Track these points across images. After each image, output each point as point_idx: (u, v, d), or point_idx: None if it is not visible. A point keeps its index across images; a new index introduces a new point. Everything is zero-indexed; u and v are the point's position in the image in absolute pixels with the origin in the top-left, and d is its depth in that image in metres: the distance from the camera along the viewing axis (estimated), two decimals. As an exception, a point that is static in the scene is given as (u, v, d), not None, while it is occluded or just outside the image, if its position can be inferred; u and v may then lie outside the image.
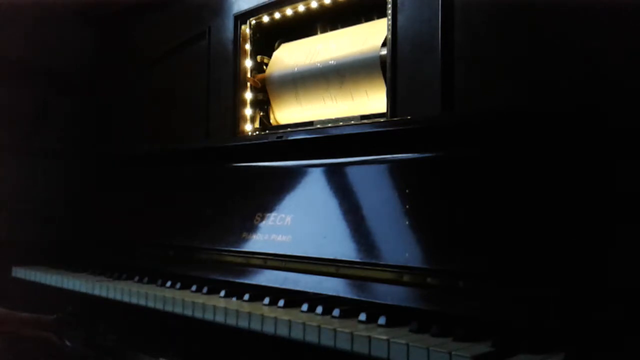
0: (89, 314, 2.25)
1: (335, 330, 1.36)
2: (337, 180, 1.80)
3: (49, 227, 2.81)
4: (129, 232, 2.49)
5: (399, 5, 1.82)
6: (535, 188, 1.37)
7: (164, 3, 2.78)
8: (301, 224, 1.81)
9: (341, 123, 2.05)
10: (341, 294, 1.61)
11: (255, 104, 2.39)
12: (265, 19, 2.36)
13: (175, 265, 2.16)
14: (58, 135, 3.08)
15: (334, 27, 2.27)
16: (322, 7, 2.21)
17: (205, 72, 2.51)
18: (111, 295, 2.05)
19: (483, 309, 1.32)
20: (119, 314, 2.15)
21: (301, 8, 2.24)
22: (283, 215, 1.87)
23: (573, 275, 1.23)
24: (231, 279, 1.91)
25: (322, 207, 1.77)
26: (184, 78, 2.65)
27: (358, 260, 1.60)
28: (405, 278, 1.50)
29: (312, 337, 1.41)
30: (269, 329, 1.52)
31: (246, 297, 1.74)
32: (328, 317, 1.50)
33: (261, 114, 2.41)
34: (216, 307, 1.67)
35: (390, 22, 1.83)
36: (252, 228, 1.94)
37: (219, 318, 1.66)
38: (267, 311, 1.57)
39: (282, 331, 1.48)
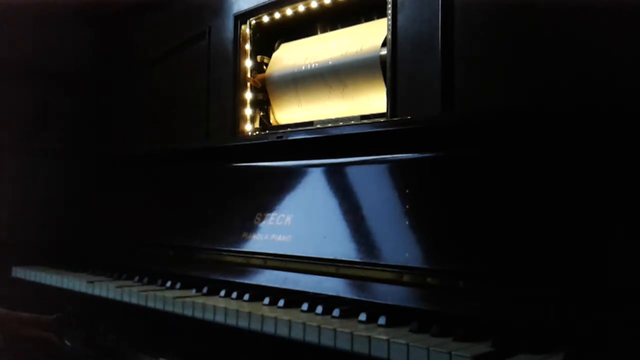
0: (89, 314, 2.25)
1: (335, 330, 1.36)
2: (337, 180, 1.80)
3: (49, 227, 2.81)
4: (129, 232, 2.49)
5: (399, 5, 1.82)
6: (535, 188, 1.37)
7: (164, 3, 2.78)
8: (301, 224, 1.81)
9: (341, 123, 2.05)
10: (341, 294, 1.61)
11: (255, 104, 2.39)
12: (265, 19, 2.36)
13: (175, 265, 2.16)
14: (58, 135, 3.08)
15: (334, 27, 2.27)
16: (322, 7, 2.21)
17: (205, 72, 2.51)
18: (111, 295, 2.05)
19: (483, 309, 1.32)
20: (119, 314, 2.15)
21: (301, 8, 2.24)
22: (283, 215, 1.87)
23: (573, 275, 1.23)
24: (231, 279, 1.91)
25: (322, 207, 1.77)
26: (184, 78, 2.65)
27: (358, 260, 1.60)
28: (405, 278, 1.50)
29: (312, 337, 1.41)
30: (269, 329, 1.52)
31: (246, 297, 1.74)
32: (328, 317, 1.50)
33: (261, 114, 2.41)
34: (216, 307, 1.67)
35: (390, 22, 1.83)
36: (252, 228, 1.94)
37: (219, 318, 1.66)
38: (267, 311, 1.57)
39: (282, 331, 1.48)
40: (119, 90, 3.05)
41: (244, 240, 1.94)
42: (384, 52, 1.89)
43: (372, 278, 1.57)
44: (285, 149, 2.00)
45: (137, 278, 2.16)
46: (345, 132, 1.86)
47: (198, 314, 1.72)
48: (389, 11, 1.83)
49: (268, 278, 1.83)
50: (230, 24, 2.41)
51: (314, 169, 1.88)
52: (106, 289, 2.08)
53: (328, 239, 1.70)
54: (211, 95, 2.48)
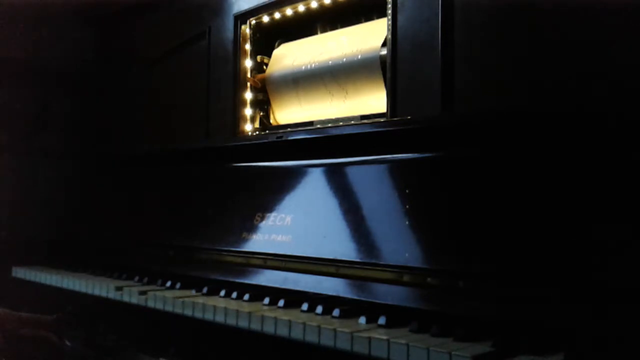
0: (89, 314, 2.25)
1: (335, 330, 1.36)
2: (337, 180, 1.80)
3: (49, 227, 2.81)
4: (129, 232, 2.49)
5: (399, 5, 1.82)
6: (535, 188, 1.37)
7: (164, 3, 2.78)
8: (301, 224, 1.81)
9: (341, 123, 2.05)
10: (341, 294, 1.61)
11: (255, 104, 2.39)
12: (265, 19, 2.36)
13: (175, 265, 2.15)
14: (58, 135, 3.08)
15: (334, 27, 2.27)
16: (322, 7, 2.21)
17: (205, 72, 2.51)
18: (111, 295, 2.05)
19: (483, 309, 1.32)
20: (119, 314, 2.15)
21: (301, 8, 2.24)
22: (283, 215, 1.87)
23: (573, 275, 1.23)
24: (231, 279, 1.91)
25: (322, 207, 1.77)
26: (184, 78, 2.65)
27: (358, 260, 1.60)
28: (405, 278, 1.50)
29: (312, 337, 1.41)
30: (269, 329, 1.52)
31: (246, 297, 1.74)
32: (328, 317, 1.50)
33: (261, 114, 2.41)
34: (216, 307, 1.67)
35: (390, 22, 1.83)
36: (252, 228, 1.94)
37: (219, 318, 1.66)
38: (267, 311, 1.57)
39: (282, 331, 1.48)
40: (119, 90, 3.05)
41: (244, 240, 1.94)
42: (384, 52, 1.89)
43: (372, 278, 1.57)
44: (285, 149, 2.00)
45: (137, 278, 2.16)
46: (345, 132, 1.86)
47: (198, 314, 1.72)
48: (389, 11, 1.83)
49: (268, 278, 1.83)
50: (230, 24, 2.41)
51: (314, 169, 1.88)
52: (106, 289, 2.08)
53: (328, 239, 1.70)
54: (211, 95, 2.48)
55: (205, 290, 1.88)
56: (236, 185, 2.15)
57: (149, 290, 1.94)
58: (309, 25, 2.32)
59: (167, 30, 2.77)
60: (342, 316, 1.48)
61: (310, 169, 1.89)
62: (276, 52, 2.40)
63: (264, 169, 2.07)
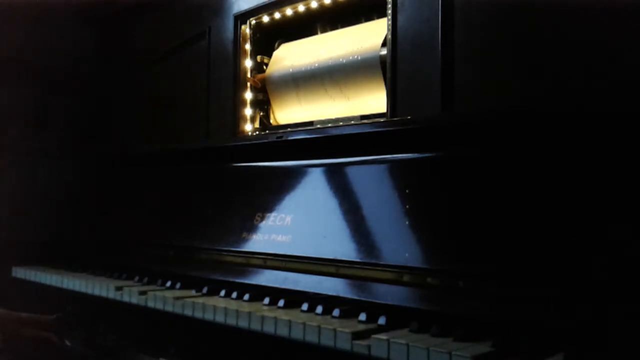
0: (89, 314, 2.25)
1: (335, 330, 1.36)
2: (337, 180, 1.80)
3: (49, 227, 2.81)
4: (129, 232, 2.49)
5: (399, 5, 1.82)
6: (535, 188, 1.37)
7: (164, 3, 2.78)
8: (301, 224, 1.81)
9: (341, 123, 2.05)
10: (341, 294, 1.61)
11: (255, 104, 2.39)
12: (265, 19, 2.36)
13: (175, 265, 2.15)
14: (58, 135, 3.08)
15: (334, 27, 2.27)
16: (322, 7, 2.21)
17: (205, 72, 2.51)
18: (111, 295, 2.05)
19: (483, 309, 1.32)
20: (119, 314, 2.15)
21: (301, 8, 2.24)
22: (283, 215, 1.87)
23: (573, 275, 1.23)
24: (231, 279, 1.91)
25: (322, 207, 1.77)
26: (184, 78, 2.65)
27: (358, 260, 1.60)
28: (405, 278, 1.50)
29: (312, 337, 1.41)
30: (269, 329, 1.52)
31: (246, 297, 1.74)
32: (328, 317, 1.50)
33: (261, 114, 2.41)
34: (216, 307, 1.67)
35: (390, 22, 1.83)
36: (252, 228, 1.94)
37: (219, 318, 1.66)
38: (267, 311, 1.57)
39: (282, 331, 1.48)
40: (119, 90, 3.05)
41: (244, 240, 1.94)
42: (384, 52, 1.89)
43: (372, 278, 1.57)
44: (285, 149, 2.00)
45: (137, 278, 2.16)
46: (345, 132, 1.86)
47: (198, 314, 1.72)
48: (389, 11, 1.83)
49: (268, 278, 1.83)
50: (230, 24, 2.41)
51: (314, 169, 1.88)
52: (106, 289, 2.08)
53: (328, 239, 1.70)
54: (211, 95, 2.48)
55: (205, 290, 1.88)
56: (236, 185, 2.15)
57: (149, 290, 1.94)
58: (309, 25, 2.32)
59: (167, 30, 2.77)
60: (342, 316, 1.48)
61: (310, 169, 1.89)
62: (276, 52, 2.40)
63: (264, 169, 2.07)
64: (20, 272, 2.62)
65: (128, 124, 2.97)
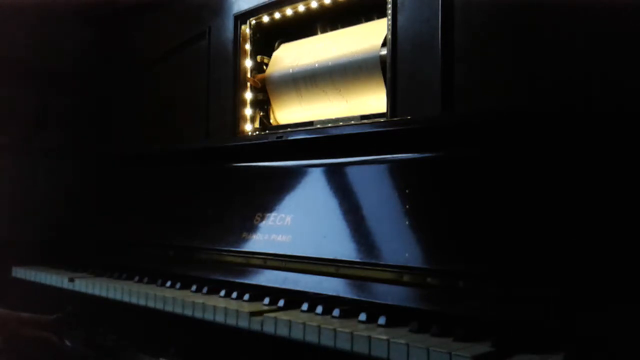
0: (89, 314, 2.25)
1: (335, 330, 1.36)
2: (337, 180, 1.80)
3: (49, 227, 2.81)
4: (129, 232, 2.49)
5: (399, 5, 1.82)
6: (535, 188, 1.37)
7: (164, 3, 2.78)
8: (301, 224, 1.81)
9: (341, 123, 2.05)
10: (341, 294, 1.61)
11: (255, 104, 2.39)
12: (265, 19, 2.36)
13: (175, 265, 2.15)
14: (58, 135, 3.08)
15: (334, 27, 2.27)
16: (322, 7, 2.21)
17: (205, 72, 2.51)
18: (111, 295, 2.05)
19: (483, 309, 1.32)
20: (119, 314, 2.15)
21: (301, 8, 2.24)
22: (283, 215, 1.87)
23: (573, 275, 1.23)
24: (231, 279, 1.91)
25: (322, 207, 1.77)
26: (184, 78, 2.65)
27: (358, 260, 1.60)
28: (405, 278, 1.50)
29: (312, 337, 1.41)
30: (269, 329, 1.52)
31: (246, 297, 1.74)
32: (328, 317, 1.50)
33: (261, 114, 2.41)
34: (216, 307, 1.67)
35: (390, 22, 1.83)
36: (252, 228, 1.94)
37: (219, 318, 1.66)
38: (267, 311, 1.57)
39: (282, 331, 1.48)
40: (119, 90, 3.05)
41: (244, 240, 1.94)
42: (384, 52, 1.89)
43: (372, 278, 1.57)
44: (285, 149, 2.00)
45: (137, 278, 2.16)
46: (345, 132, 1.86)
47: (198, 314, 1.72)
48: (389, 11, 1.83)
49: (268, 278, 1.83)
50: (230, 24, 2.41)
51: (314, 169, 1.88)
52: (106, 289, 2.08)
53: (328, 239, 1.70)
54: (211, 95, 2.48)
55: (205, 290, 1.88)
56: (236, 185, 2.15)
57: (149, 290, 1.94)
58: (309, 25, 2.32)
59: (167, 30, 2.77)
60: (342, 316, 1.48)
61: (310, 169, 1.89)
62: (276, 52, 2.40)
63: (264, 169, 2.07)
64: (20, 272, 2.62)
65: (128, 124, 2.97)
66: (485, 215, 1.43)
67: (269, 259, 1.84)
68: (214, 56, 2.48)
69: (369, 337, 1.29)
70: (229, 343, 1.78)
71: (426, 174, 1.61)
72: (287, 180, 1.94)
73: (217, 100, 2.45)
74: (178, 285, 1.99)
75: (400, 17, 1.81)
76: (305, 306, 1.57)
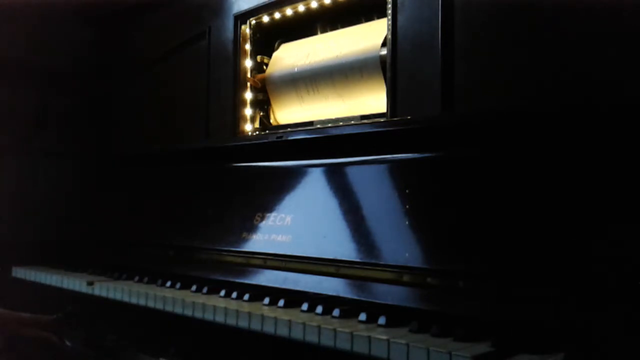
0: (89, 314, 2.25)
1: (335, 330, 1.36)
2: (337, 180, 1.80)
3: (49, 227, 2.81)
4: (129, 232, 2.49)
5: (399, 5, 1.82)
6: (535, 188, 1.37)
7: (164, 3, 2.78)
8: (301, 224, 1.81)
9: (341, 123, 2.05)
10: (341, 294, 1.61)
11: (255, 104, 2.39)
12: (265, 19, 2.36)
13: (175, 265, 2.16)
14: (58, 135, 3.08)
15: (334, 27, 2.27)
16: (322, 7, 2.20)
17: (205, 72, 2.51)
18: (111, 295, 2.05)
19: (483, 309, 1.32)
20: (119, 314, 2.15)
21: (301, 8, 2.24)
22: (283, 215, 1.87)
23: (573, 275, 1.23)
24: (231, 279, 1.91)
25: (322, 207, 1.77)
26: (184, 78, 2.65)
27: (358, 260, 1.60)
28: (405, 278, 1.50)
29: (312, 337, 1.41)
30: (269, 329, 1.52)
31: (246, 297, 1.74)
32: (328, 317, 1.50)
33: (261, 114, 2.41)
34: (216, 307, 1.67)
35: (390, 22, 1.83)
36: (252, 228, 1.94)
37: (219, 318, 1.66)
38: (267, 311, 1.57)
39: (282, 331, 1.48)
40: (119, 90, 3.05)
41: (244, 240, 1.94)
42: (384, 52, 1.89)
43: (372, 278, 1.57)
44: (285, 149, 2.00)
45: (137, 278, 2.16)
46: (345, 132, 1.86)
47: (198, 314, 1.72)
48: (389, 11, 1.83)
49: (268, 278, 1.83)
50: (230, 24, 2.41)
51: (314, 169, 1.88)
52: (106, 289, 2.08)
53: (328, 239, 1.70)
54: (211, 95, 2.48)
55: (205, 290, 1.88)
56: (236, 185, 2.15)
57: (149, 290, 1.94)
58: (309, 25, 2.32)
59: (167, 30, 2.77)
60: (342, 316, 1.48)
61: (310, 169, 1.89)
62: (276, 52, 2.40)
63: (264, 169, 2.07)
64: (20, 272, 2.62)
65: (128, 124, 2.97)
66: (485, 215, 1.43)
67: (269, 259, 1.84)
68: (214, 56, 2.48)
69: (369, 337, 1.29)
70: (229, 343, 1.78)
71: (426, 174, 1.61)
72: (287, 180, 1.94)
73: (217, 100, 2.45)
74: (178, 285, 1.99)
75: (400, 17, 1.81)
76: (305, 306, 1.57)
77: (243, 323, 1.59)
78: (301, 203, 1.86)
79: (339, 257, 1.65)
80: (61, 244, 2.75)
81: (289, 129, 2.24)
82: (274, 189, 1.96)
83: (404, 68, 1.80)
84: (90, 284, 2.12)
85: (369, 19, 2.14)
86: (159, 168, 2.56)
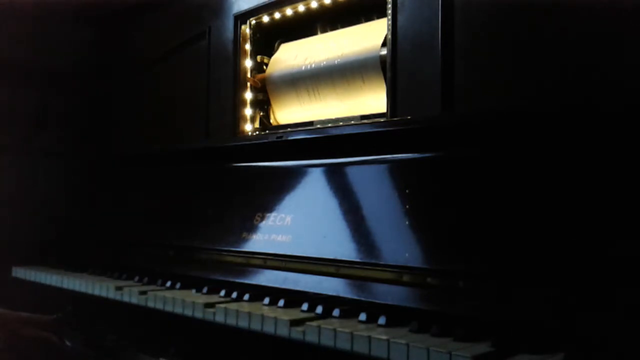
0: (89, 314, 2.25)
1: (335, 330, 1.36)
2: (337, 180, 1.80)
3: (49, 227, 2.81)
4: (129, 232, 2.49)
5: (399, 5, 1.82)
6: (535, 188, 1.37)
7: (164, 3, 2.78)
8: (301, 224, 1.81)
9: (341, 123, 2.05)
10: (341, 294, 1.61)
11: (255, 104, 2.39)
12: (265, 19, 2.36)
13: (175, 265, 2.15)
14: (58, 135, 3.08)
15: (334, 27, 2.27)
16: (322, 7, 2.20)
17: (205, 72, 2.51)
18: (111, 295, 2.05)
19: (483, 309, 1.32)
20: (119, 314, 2.15)
21: (301, 8, 2.24)
22: (283, 215, 1.87)
23: (573, 275, 1.23)
24: (231, 279, 1.91)
25: (322, 207, 1.77)
26: (184, 78, 2.65)
27: (358, 260, 1.60)
28: (405, 278, 1.50)
29: (312, 337, 1.41)
30: (269, 329, 1.52)
31: (246, 297, 1.74)
32: (328, 317, 1.50)
33: (261, 114, 2.41)
34: (216, 307, 1.67)
35: (390, 22, 1.83)
36: (252, 228, 1.94)
37: (219, 318, 1.66)
38: (267, 311, 1.57)
39: (282, 331, 1.48)
40: (119, 90, 3.05)
41: (244, 240, 1.94)
42: (384, 52, 1.89)
43: (372, 278, 1.57)
44: (285, 149, 2.00)
45: (137, 278, 2.16)
46: (345, 132, 1.86)
47: (198, 314, 1.72)
48: (389, 11, 1.83)
49: (268, 278, 1.83)
50: (230, 24, 2.41)
51: (314, 169, 1.88)
52: (106, 289, 2.08)
53: (328, 239, 1.70)
54: (211, 95, 2.48)
55: (205, 290, 1.88)
56: (236, 185, 2.15)
57: (149, 290, 1.94)
58: (309, 25, 2.32)
59: (167, 30, 2.77)
60: (342, 316, 1.48)
61: (310, 169, 1.89)
62: (276, 52, 2.40)
63: (264, 169, 2.07)
64: (20, 272, 2.62)
65: (128, 124, 2.97)
66: (485, 215, 1.43)
67: (269, 259, 1.84)
68: (214, 56, 2.48)
69: (369, 337, 1.29)
70: (229, 343, 1.78)
71: (426, 174, 1.61)
72: (287, 180, 1.94)
73: (217, 100, 2.45)
74: (178, 285, 1.99)
75: (400, 17, 1.81)
76: (305, 306, 1.57)
77: (243, 323, 1.59)
78: (301, 203, 1.86)
79: (339, 257, 1.65)
80: (61, 244, 2.75)
81: (289, 129, 2.24)
82: (274, 189, 1.96)
83: (404, 68, 1.80)
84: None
85: (368, 19, 2.14)
86: (159, 168, 2.56)
